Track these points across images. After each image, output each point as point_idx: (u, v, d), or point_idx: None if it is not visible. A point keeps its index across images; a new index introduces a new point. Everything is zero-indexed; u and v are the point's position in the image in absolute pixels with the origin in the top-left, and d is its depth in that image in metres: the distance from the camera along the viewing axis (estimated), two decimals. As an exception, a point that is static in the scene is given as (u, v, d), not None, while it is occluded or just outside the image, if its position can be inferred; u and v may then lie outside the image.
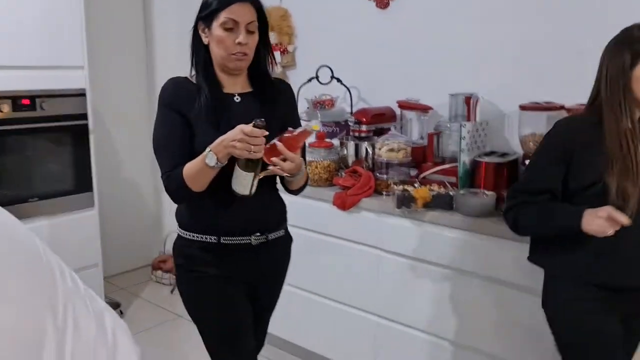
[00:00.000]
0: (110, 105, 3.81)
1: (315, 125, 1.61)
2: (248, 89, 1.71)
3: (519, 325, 2.04)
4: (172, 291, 3.75)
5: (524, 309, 2.00)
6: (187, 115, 1.61)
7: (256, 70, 1.71)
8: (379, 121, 2.68)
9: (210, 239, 1.67)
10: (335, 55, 2.94)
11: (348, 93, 2.91)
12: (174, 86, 1.66)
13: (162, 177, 1.62)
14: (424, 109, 2.63)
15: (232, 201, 1.61)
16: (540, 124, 2.22)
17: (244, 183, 1.55)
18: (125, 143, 3.99)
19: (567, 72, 2.27)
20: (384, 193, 2.42)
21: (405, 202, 2.23)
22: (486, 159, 2.28)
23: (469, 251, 2.13)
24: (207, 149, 1.52)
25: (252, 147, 1.47)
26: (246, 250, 1.69)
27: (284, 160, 1.56)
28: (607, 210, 1.47)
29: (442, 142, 2.51)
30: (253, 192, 1.57)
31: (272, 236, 1.74)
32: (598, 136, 1.55)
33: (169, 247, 4.18)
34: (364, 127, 2.63)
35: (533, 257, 1.77)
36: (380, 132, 2.64)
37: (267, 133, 1.49)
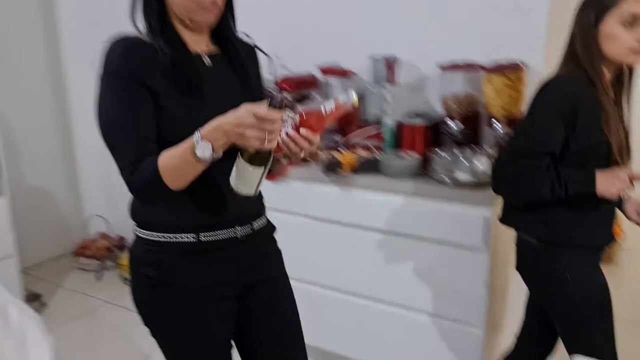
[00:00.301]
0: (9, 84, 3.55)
1: (355, 99, 1.16)
2: (214, 50, 1.36)
3: (455, 282, 2.09)
4: (98, 277, 3.60)
5: (459, 266, 2.06)
6: (151, 86, 1.22)
7: (221, 26, 1.36)
8: (302, 88, 2.63)
9: (186, 238, 1.30)
10: (251, 21, 2.85)
11: (269, 60, 2.83)
12: (128, 48, 1.23)
13: (122, 172, 1.22)
14: (347, 74, 2.61)
15: (211, 187, 1.29)
16: (460, 85, 2.25)
17: (249, 180, 1.19)
18: (32, 125, 3.74)
19: (486, 29, 2.31)
20: (311, 161, 2.39)
21: (332, 168, 2.22)
22: (410, 121, 2.29)
23: (400, 213, 2.15)
24: (196, 136, 1.13)
25: (268, 135, 1.10)
26: (230, 247, 1.36)
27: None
28: (625, 170, 1.51)
29: (365, 106, 2.50)
30: (259, 191, 1.25)
31: (257, 225, 1.43)
32: (593, 95, 1.55)
33: (91, 231, 4.13)
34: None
35: (521, 225, 1.73)
36: (303, 100, 2.59)
37: (287, 117, 1.15)
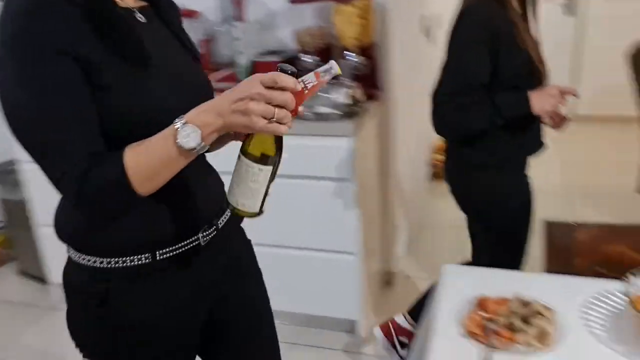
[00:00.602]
0: None
1: (338, 68, 0.91)
2: (141, 3, 1.04)
3: (327, 215, 2.11)
4: None
5: (329, 198, 2.07)
6: (83, 55, 0.88)
7: None
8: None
9: (139, 259, 1.01)
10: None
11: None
12: (42, 7, 0.86)
13: (61, 181, 0.88)
14: (192, 15, 2.45)
15: (172, 189, 0.96)
16: (310, 19, 2.22)
17: (255, 189, 0.89)
18: None
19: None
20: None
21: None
22: (264, 59, 2.22)
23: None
24: (179, 121, 0.86)
25: (278, 111, 0.83)
26: (191, 258, 1.07)
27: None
28: (555, 87, 1.55)
29: (216, 48, 2.37)
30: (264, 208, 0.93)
31: (221, 222, 1.13)
32: (506, 16, 1.56)
33: None
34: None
35: (464, 154, 1.75)
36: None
37: (300, 87, 0.87)
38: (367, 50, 2.17)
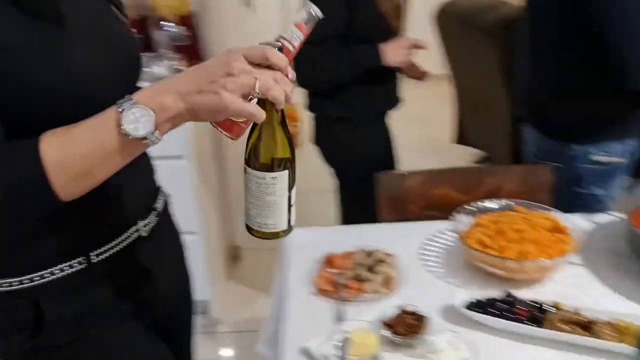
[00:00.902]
0: None
1: (318, 11, 0.76)
2: None
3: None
4: None
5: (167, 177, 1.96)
6: None
7: None
8: None
9: (71, 267, 0.80)
10: None
11: None
12: None
13: None
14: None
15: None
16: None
17: (273, 201, 0.72)
18: None
19: None
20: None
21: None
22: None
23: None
24: (125, 102, 0.65)
25: (262, 81, 0.65)
26: (132, 254, 0.88)
27: None
28: (406, 39, 1.62)
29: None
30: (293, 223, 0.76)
31: (160, 206, 0.98)
32: None
33: None
34: None
35: (325, 108, 1.78)
36: None
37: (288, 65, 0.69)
38: (186, 20, 2.07)
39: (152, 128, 0.65)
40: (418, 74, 1.80)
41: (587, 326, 0.96)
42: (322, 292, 1.12)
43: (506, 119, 2.32)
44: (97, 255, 0.82)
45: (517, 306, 1.01)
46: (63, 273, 0.79)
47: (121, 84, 0.78)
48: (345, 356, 0.89)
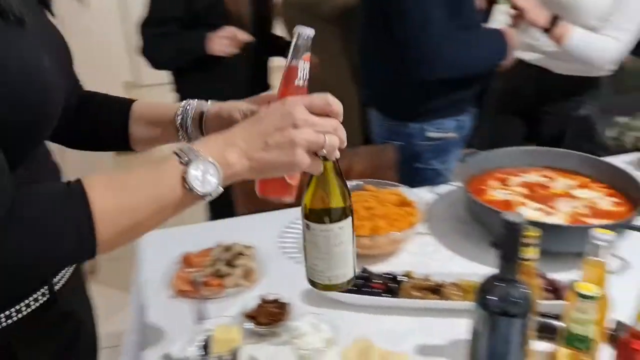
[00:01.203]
0: None
1: (312, 31, 0.68)
2: None
3: None
4: None
5: None
6: None
7: None
8: None
9: (35, 300, 0.71)
10: None
11: None
12: None
13: None
14: None
15: None
16: None
17: (342, 251, 0.67)
18: None
19: None
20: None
21: None
22: None
23: None
24: (189, 153, 0.59)
25: (329, 138, 0.62)
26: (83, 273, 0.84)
27: None
28: (229, 30, 1.68)
29: None
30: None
31: None
32: None
33: None
34: None
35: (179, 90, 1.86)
36: None
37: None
38: None
39: (219, 184, 0.59)
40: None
41: (436, 290, 1.02)
42: (181, 293, 1.08)
43: (355, 103, 2.41)
44: (59, 282, 0.75)
45: (373, 280, 1.05)
46: (29, 309, 0.71)
47: (69, 80, 0.76)
48: (206, 355, 0.86)
